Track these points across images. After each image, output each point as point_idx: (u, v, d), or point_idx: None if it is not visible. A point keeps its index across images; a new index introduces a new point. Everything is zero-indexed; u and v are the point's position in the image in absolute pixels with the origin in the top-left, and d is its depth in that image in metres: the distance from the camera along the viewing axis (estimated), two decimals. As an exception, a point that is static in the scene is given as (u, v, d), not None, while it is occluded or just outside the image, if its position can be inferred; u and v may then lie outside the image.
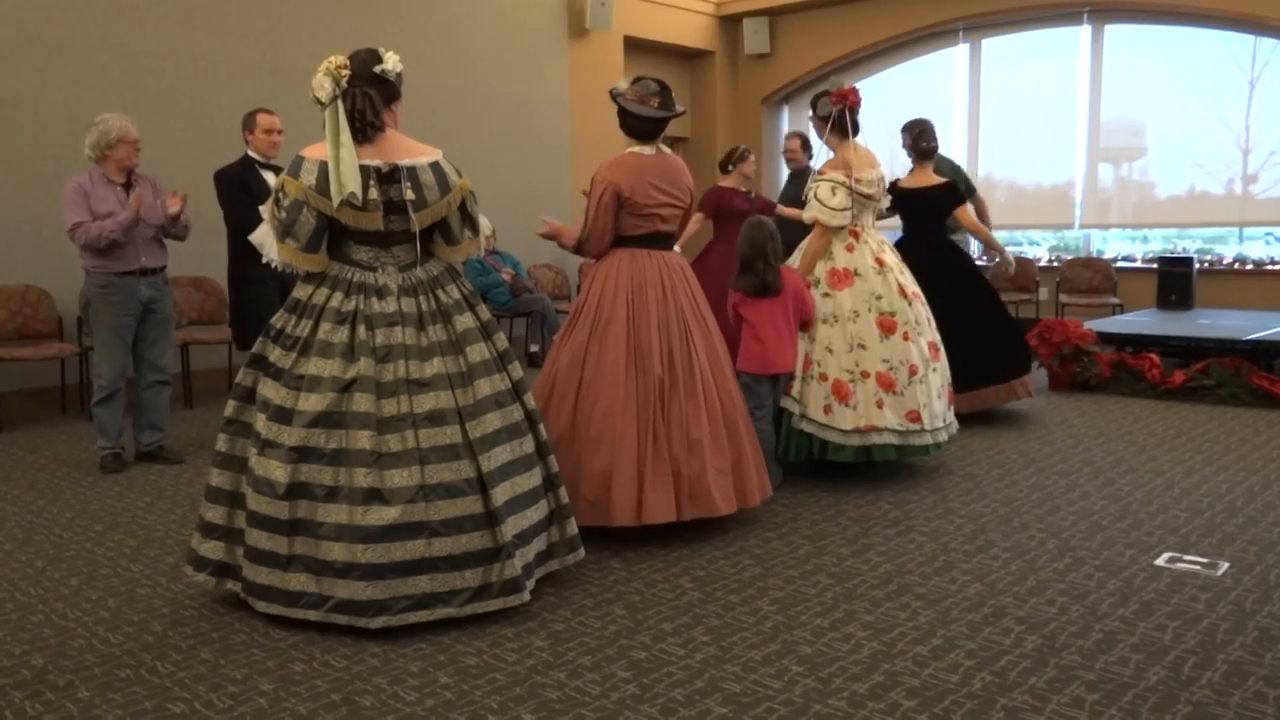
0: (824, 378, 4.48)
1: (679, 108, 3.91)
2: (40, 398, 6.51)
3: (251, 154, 5.26)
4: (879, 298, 4.55)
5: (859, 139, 4.73)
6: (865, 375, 4.46)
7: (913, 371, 4.52)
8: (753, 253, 4.33)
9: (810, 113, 4.85)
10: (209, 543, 3.19)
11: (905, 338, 4.54)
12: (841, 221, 4.59)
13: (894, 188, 5.74)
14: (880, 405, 4.44)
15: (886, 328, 4.52)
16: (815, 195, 4.61)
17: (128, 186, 4.99)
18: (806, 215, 4.68)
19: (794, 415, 4.51)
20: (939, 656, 2.81)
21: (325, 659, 2.84)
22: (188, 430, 5.97)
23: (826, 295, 4.56)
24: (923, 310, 4.70)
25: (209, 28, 7.14)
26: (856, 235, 4.66)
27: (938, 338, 4.76)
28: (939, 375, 4.70)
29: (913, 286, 4.71)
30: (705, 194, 6.38)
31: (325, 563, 2.97)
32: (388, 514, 2.95)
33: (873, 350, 4.48)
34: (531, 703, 2.58)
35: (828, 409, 4.45)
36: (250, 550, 3.07)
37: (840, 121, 4.66)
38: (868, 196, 4.63)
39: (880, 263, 4.63)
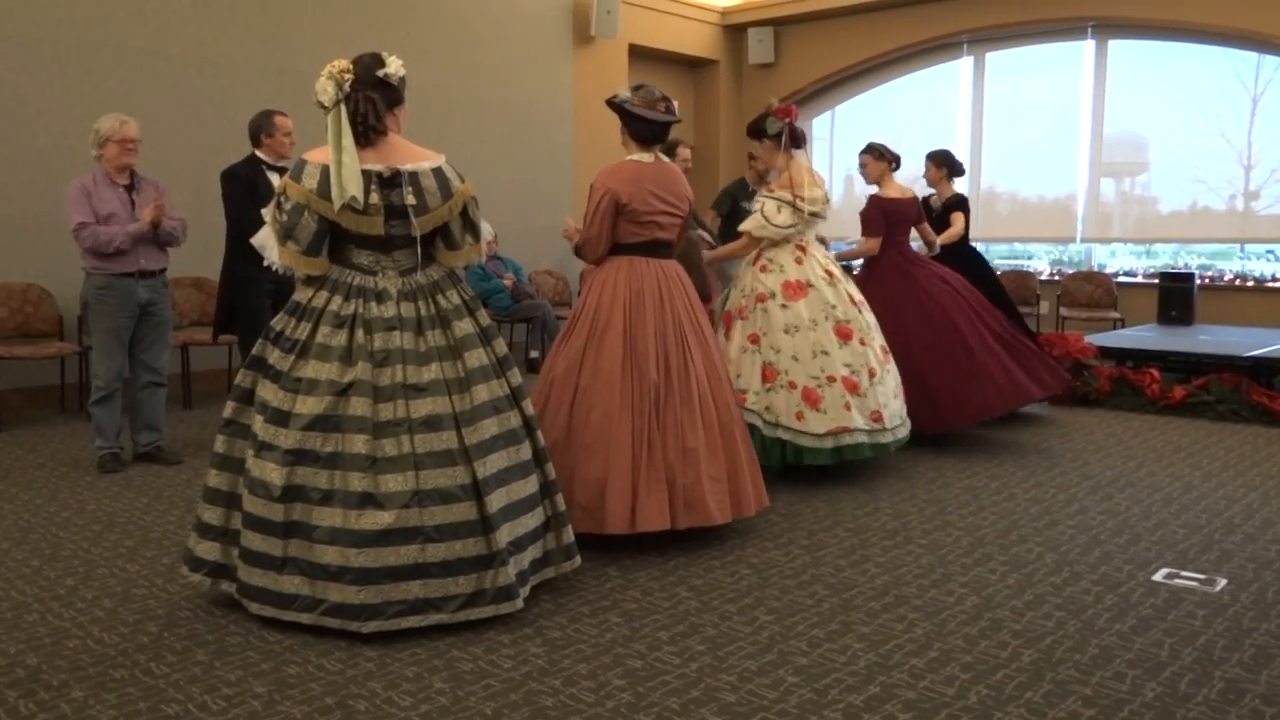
0: (793, 386, 4.65)
1: (678, 115, 3.96)
2: (39, 396, 6.51)
3: (261, 155, 5.25)
4: (834, 307, 4.77)
5: (802, 155, 4.96)
6: (831, 380, 4.66)
7: (871, 374, 4.76)
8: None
9: (760, 139, 4.93)
10: (205, 543, 3.19)
11: (861, 343, 4.79)
12: (772, 235, 4.81)
13: (964, 200, 6.46)
14: (848, 408, 4.64)
15: (844, 334, 4.76)
16: (762, 210, 4.82)
17: (131, 188, 5.00)
18: (743, 225, 4.96)
19: (763, 425, 4.66)
20: (935, 669, 2.81)
21: (320, 662, 2.83)
22: (186, 431, 5.97)
23: (784, 306, 4.73)
24: (870, 317, 4.94)
25: (214, 28, 7.15)
26: (803, 249, 4.88)
27: (884, 341, 5.00)
28: (892, 376, 4.95)
29: (859, 295, 4.97)
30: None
31: (319, 566, 2.97)
32: (382, 518, 2.95)
33: (834, 356, 4.70)
34: (526, 710, 2.57)
35: (799, 415, 4.63)
36: (245, 552, 3.06)
37: (791, 137, 4.86)
38: (814, 214, 4.84)
39: (830, 274, 4.86)
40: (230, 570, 3.15)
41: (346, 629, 2.95)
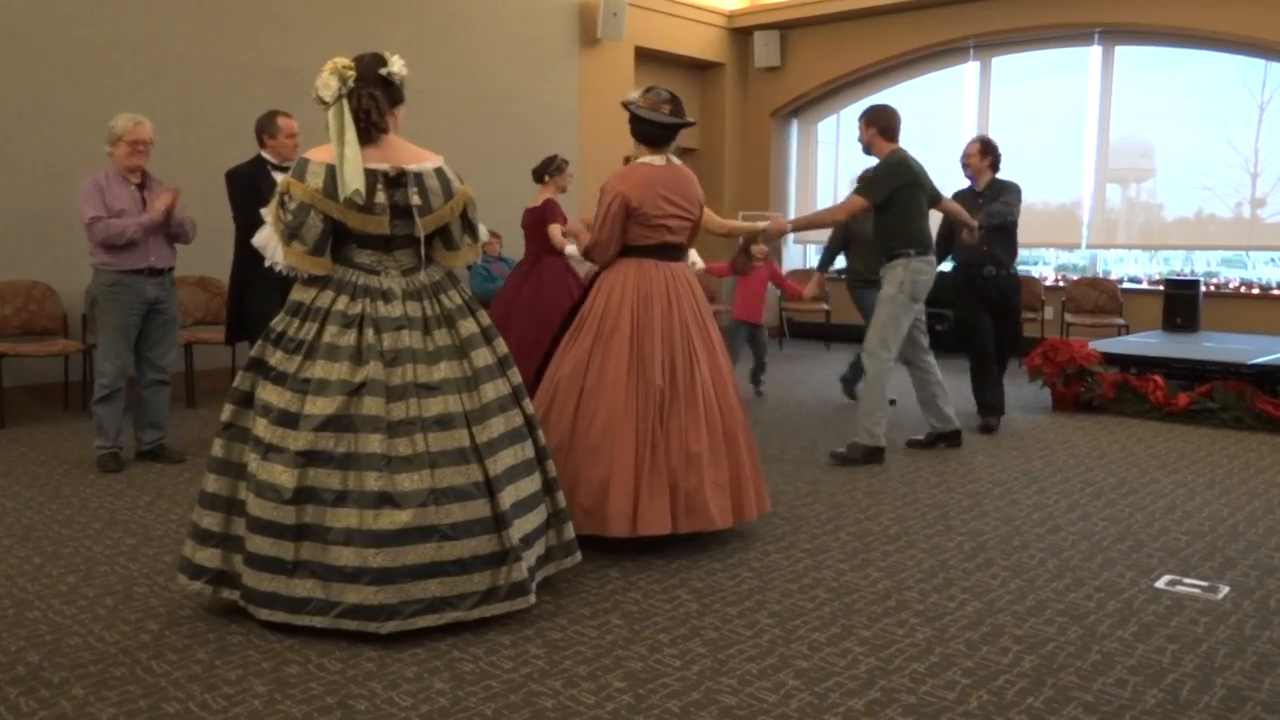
0: None
1: (689, 118, 3.95)
2: (43, 394, 6.52)
3: (266, 156, 5.25)
4: None
5: None
6: None
7: None
8: None
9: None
10: (205, 550, 3.10)
11: None
12: None
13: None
14: None
15: None
16: None
17: (142, 187, 5.01)
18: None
19: None
20: (936, 674, 2.80)
21: (320, 662, 2.83)
22: (189, 430, 5.98)
23: None
24: None
25: (221, 29, 7.17)
26: None
27: None
28: None
29: None
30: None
31: (334, 568, 2.93)
32: (399, 518, 2.94)
33: None
34: (526, 711, 2.57)
35: None
36: (252, 557, 3.00)
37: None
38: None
39: None
40: (232, 577, 3.09)
41: (364, 630, 2.92)
